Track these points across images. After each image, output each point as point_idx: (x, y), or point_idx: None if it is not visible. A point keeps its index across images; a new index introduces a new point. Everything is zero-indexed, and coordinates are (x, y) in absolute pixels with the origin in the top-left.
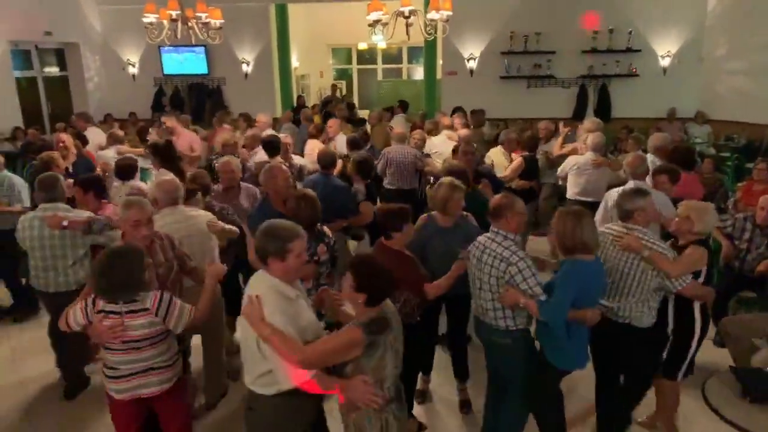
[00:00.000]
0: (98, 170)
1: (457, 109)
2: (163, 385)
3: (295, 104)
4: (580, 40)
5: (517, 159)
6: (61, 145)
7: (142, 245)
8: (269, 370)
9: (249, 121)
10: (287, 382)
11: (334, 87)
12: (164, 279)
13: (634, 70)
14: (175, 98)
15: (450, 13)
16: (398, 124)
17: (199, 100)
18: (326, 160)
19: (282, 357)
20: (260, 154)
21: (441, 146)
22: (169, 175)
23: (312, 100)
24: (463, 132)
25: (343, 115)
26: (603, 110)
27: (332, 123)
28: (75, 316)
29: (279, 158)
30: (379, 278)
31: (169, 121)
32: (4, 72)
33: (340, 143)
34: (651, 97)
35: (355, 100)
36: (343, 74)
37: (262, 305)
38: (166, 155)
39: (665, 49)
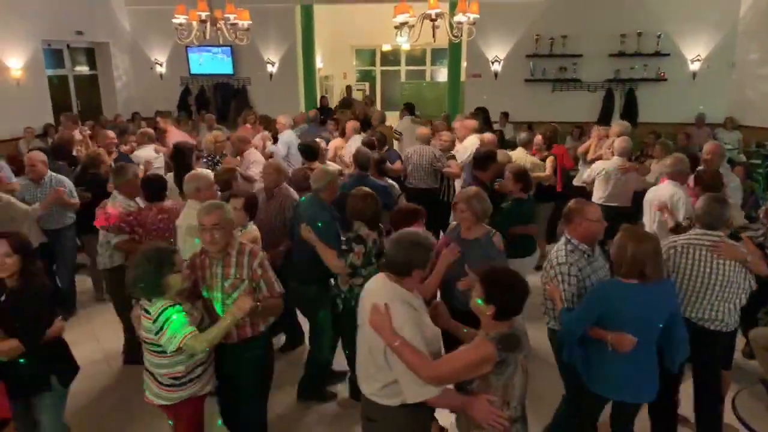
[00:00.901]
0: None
1: (479, 110)
2: (154, 398)
3: (318, 105)
4: (607, 43)
5: (551, 158)
6: (108, 141)
7: (215, 252)
8: (394, 381)
9: (267, 122)
10: (413, 394)
11: (348, 89)
12: (229, 294)
13: (662, 74)
14: (200, 98)
15: (477, 16)
16: (404, 126)
17: (225, 99)
18: (362, 160)
19: (411, 371)
20: (253, 156)
21: (472, 149)
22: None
23: (335, 101)
24: (488, 136)
25: (354, 117)
26: (629, 115)
27: (349, 125)
28: None
29: (317, 162)
30: (513, 292)
31: (162, 121)
32: (37, 70)
33: (355, 145)
34: (679, 102)
35: (378, 102)
36: (367, 75)
37: (392, 315)
38: (183, 158)
39: (695, 53)
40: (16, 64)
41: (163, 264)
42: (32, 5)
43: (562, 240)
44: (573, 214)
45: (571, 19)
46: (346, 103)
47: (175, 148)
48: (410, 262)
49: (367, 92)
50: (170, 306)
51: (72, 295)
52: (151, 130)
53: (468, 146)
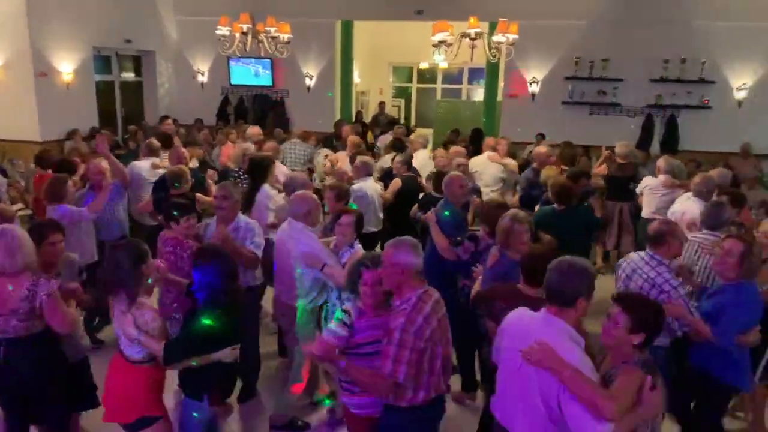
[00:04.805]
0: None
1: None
2: None
3: (354, 119)
4: (650, 68)
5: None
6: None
7: None
8: None
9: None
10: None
11: (381, 105)
12: None
13: (705, 101)
14: (239, 108)
15: (516, 36)
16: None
17: (263, 111)
18: None
19: (591, 407)
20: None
21: (480, 166)
22: None
23: (370, 116)
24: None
25: (356, 132)
26: (670, 141)
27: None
28: None
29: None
30: (659, 316)
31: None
32: (86, 75)
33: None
34: (723, 131)
35: (413, 119)
36: (403, 92)
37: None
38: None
39: (741, 81)
40: (67, 68)
41: None
42: (86, 13)
43: (654, 260)
44: (666, 236)
45: (612, 43)
46: (376, 118)
47: (252, 161)
48: (578, 288)
49: (402, 109)
50: None
51: None
52: (156, 143)
53: (478, 163)
